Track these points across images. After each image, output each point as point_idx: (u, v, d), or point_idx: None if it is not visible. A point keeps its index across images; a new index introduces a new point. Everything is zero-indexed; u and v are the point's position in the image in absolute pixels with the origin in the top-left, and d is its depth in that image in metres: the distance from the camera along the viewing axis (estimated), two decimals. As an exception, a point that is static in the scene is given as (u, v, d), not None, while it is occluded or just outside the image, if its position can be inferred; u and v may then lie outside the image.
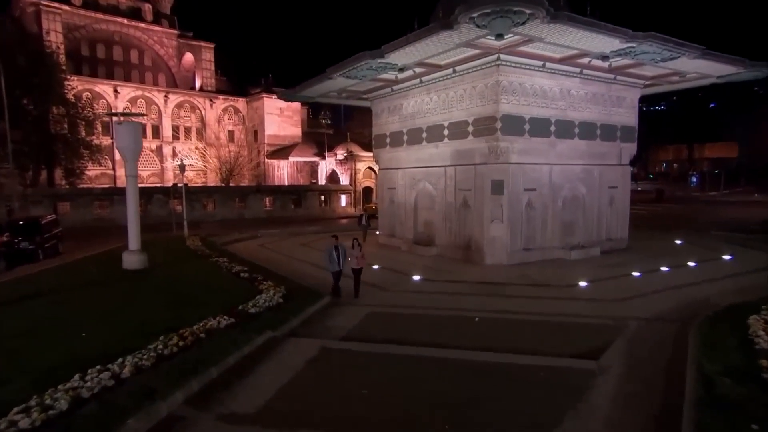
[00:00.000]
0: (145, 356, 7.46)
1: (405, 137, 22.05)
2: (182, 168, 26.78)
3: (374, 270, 16.35)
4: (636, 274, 15.49)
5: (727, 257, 17.80)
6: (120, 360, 7.29)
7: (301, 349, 8.69)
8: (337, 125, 74.00)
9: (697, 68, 17.12)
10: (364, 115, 58.32)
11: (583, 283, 14.25)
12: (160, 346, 7.85)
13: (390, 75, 19.82)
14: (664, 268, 16.13)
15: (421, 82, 20.16)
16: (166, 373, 6.89)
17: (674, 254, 18.81)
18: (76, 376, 6.73)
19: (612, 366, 7.77)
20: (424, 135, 20.70)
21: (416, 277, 15.42)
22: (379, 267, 16.91)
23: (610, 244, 20.30)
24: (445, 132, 19.48)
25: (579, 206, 19.75)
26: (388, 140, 23.50)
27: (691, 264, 16.86)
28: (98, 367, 7.02)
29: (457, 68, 18.02)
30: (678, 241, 21.95)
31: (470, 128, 18.24)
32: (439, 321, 10.95)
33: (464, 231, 19.23)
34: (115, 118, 16.03)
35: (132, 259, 16.36)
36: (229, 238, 25.09)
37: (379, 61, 16.61)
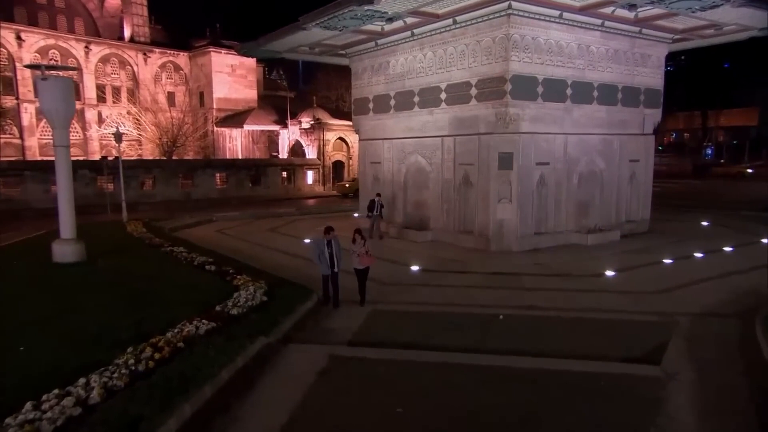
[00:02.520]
0: (115, 374, 6.86)
1: (392, 102, 21.56)
2: (118, 137, 25.39)
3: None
4: (667, 261, 15.66)
5: (766, 241, 18.20)
6: (83, 380, 6.65)
7: (307, 358, 8.29)
8: (295, 87, 72.14)
9: (738, 18, 17.09)
10: (330, 75, 57.58)
11: (610, 273, 14.31)
12: (132, 360, 7.24)
13: (375, 26, 19.23)
14: (697, 254, 16.38)
15: (412, 35, 19.63)
16: (148, 396, 6.32)
17: (704, 238, 19.19)
18: (28, 405, 6.06)
19: (679, 371, 7.69)
20: (416, 99, 20.26)
21: (415, 268, 15.17)
22: (370, 256, 16.54)
23: (630, 227, 20.55)
24: (443, 96, 19.10)
25: (596, 183, 19.82)
26: (371, 105, 22.95)
27: (727, 249, 17.20)
28: (56, 390, 6.38)
29: (458, 18, 17.56)
30: (704, 223, 22.44)
31: (473, 91, 17.90)
32: (457, 319, 10.68)
33: (465, 213, 19.04)
34: (35, 72, 14.84)
35: (65, 251, 15.33)
36: (178, 223, 24.37)
37: (366, 8, 15.94)
